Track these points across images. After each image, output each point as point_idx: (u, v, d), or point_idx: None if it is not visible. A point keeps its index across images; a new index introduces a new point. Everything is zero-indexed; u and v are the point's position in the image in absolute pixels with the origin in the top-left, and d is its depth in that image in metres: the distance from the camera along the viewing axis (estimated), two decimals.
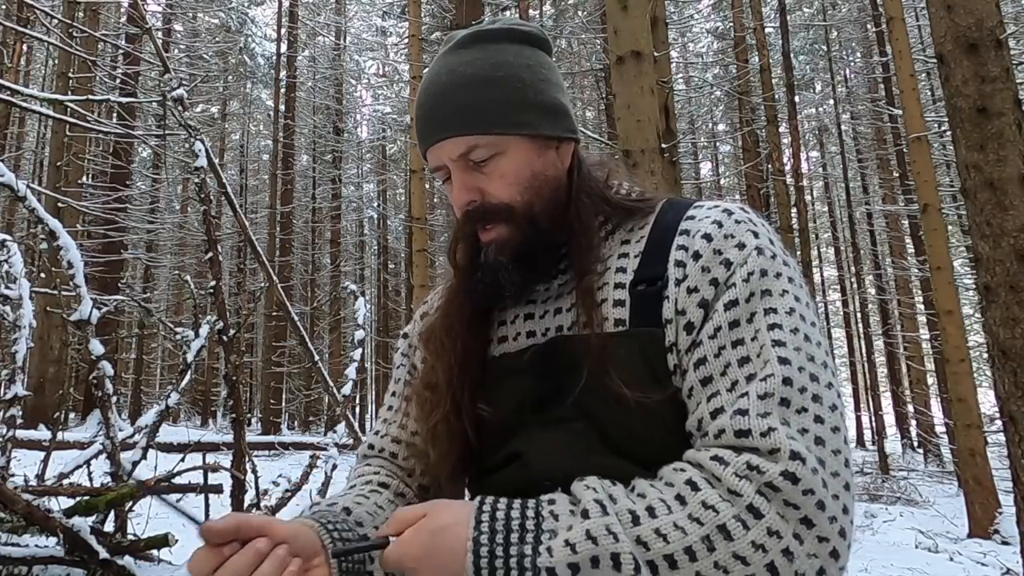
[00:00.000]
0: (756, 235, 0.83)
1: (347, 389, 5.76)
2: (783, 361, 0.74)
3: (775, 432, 0.69)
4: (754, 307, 0.78)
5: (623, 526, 0.67)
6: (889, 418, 20.52)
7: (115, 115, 15.40)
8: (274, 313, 18.74)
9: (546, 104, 0.91)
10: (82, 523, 3.51)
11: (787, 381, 0.73)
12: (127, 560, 3.60)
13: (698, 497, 0.68)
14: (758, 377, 0.73)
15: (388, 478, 1.00)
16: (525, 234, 0.88)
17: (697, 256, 0.82)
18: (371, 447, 1.05)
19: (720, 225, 0.84)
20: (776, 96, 13.89)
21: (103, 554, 3.44)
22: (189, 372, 4.91)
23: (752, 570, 0.66)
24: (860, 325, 21.16)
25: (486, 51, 0.91)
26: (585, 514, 0.69)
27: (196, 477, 4.44)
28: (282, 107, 21.84)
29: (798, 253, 11.60)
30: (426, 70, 0.95)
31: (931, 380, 16.88)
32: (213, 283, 4.74)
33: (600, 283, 0.88)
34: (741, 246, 0.81)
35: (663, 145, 4.17)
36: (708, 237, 0.83)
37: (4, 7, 14.31)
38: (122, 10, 17.44)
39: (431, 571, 0.70)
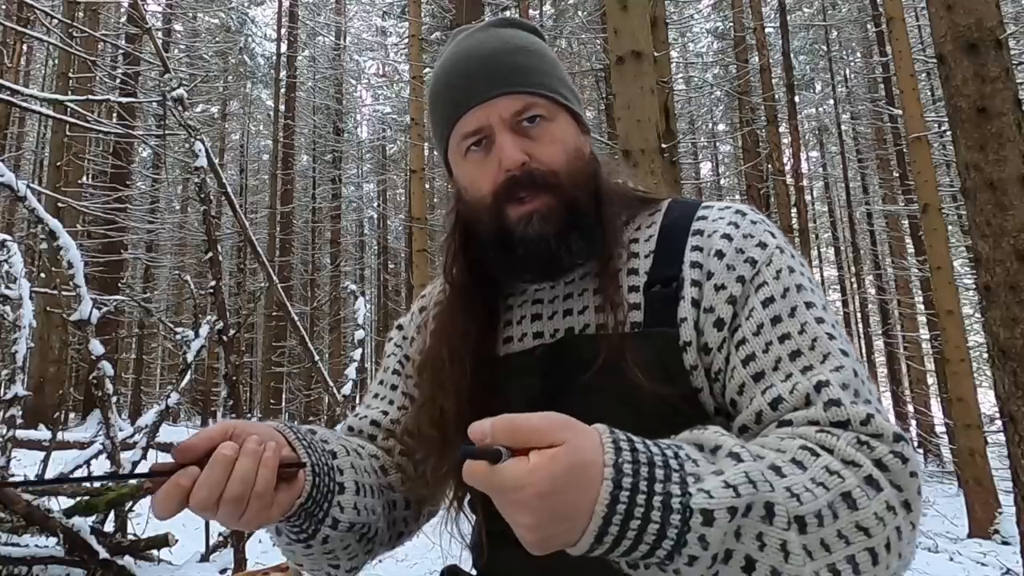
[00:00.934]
0: (773, 235, 0.85)
1: (347, 389, 5.76)
2: (844, 353, 0.75)
3: (874, 419, 0.68)
4: (792, 302, 0.79)
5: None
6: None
7: (115, 115, 15.39)
8: (274, 313, 18.73)
9: (576, 92, 0.94)
10: (82, 523, 3.52)
11: (855, 372, 0.74)
12: (127, 560, 3.61)
13: (820, 462, 0.64)
14: (828, 367, 0.73)
15: (366, 443, 0.98)
16: (570, 205, 0.86)
17: (720, 255, 0.83)
18: (350, 428, 1.03)
19: (737, 225, 0.85)
20: (776, 96, 13.88)
21: (103, 554, 3.45)
22: (189, 372, 4.92)
23: (872, 543, 0.62)
24: (860, 325, 21.13)
25: (520, 33, 0.93)
26: (737, 457, 0.61)
27: None
28: (282, 107, 21.83)
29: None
30: (452, 48, 0.93)
31: (931, 380, 16.85)
32: (213, 283, 4.73)
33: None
34: (762, 245, 0.83)
35: (663, 145, 4.17)
36: (728, 237, 0.84)
37: (4, 7, 14.30)
38: (122, 10, 17.42)
39: (548, 510, 0.55)
